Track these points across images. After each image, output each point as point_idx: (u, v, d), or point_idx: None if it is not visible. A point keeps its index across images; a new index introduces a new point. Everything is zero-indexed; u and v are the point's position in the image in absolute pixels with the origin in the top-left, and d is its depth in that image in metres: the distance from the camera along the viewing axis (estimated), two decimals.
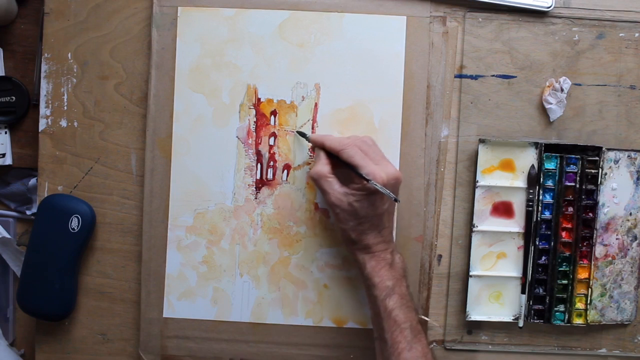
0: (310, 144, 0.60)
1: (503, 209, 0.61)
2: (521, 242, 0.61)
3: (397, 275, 0.54)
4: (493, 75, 0.61)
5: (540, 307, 0.60)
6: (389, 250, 0.54)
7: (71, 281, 0.60)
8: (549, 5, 0.60)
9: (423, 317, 0.61)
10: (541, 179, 0.60)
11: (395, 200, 0.52)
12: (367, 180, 0.51)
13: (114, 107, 0.62)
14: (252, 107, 0.61)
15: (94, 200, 0.62)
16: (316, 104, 0.60)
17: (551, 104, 0.60)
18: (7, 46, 0.64)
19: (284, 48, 0.60)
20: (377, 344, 0.54)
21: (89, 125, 0.62)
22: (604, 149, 0.60)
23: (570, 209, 0.60)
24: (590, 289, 0.60)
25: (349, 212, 0.53)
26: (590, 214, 0.60)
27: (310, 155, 0.61)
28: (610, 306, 0.61)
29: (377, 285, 0.53)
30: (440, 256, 0.62)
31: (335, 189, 0.53)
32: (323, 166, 0.54)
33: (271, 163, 0.61)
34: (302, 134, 0.60)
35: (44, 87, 0.61)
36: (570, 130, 0.61)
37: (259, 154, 0.61)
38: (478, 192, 0.60)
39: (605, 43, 0.61)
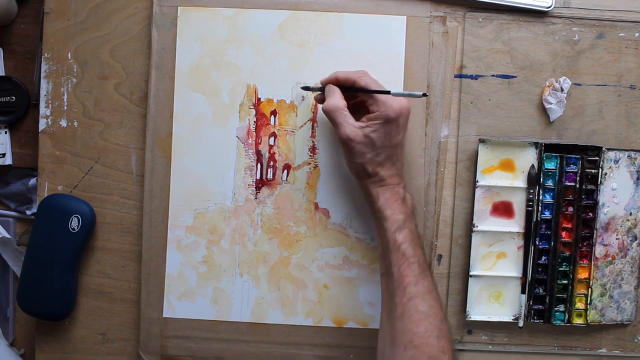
0: (316, 94, 0.59)
1: (503, 209, 0.61)
2: (521, 242, 0.61)
3: (408, 212, 0.54)
4: (493, 75, 0.61)
5: (540, 307, 0.60)
6: (402, 185, 0.55)
7: (71, 281, 0.60)
8: (549, 5, 0.60)
9: None
10: (541, 179, 0.60)
11: (424, 94, 0.53)
12: (389, 92, 0.52)
13: (114, 107, 0.62)
14: (252, 107, 0.61)
15: (94, 200, 0.62)
16: (316, 104, 0.60)
17: (551, 103, 0.60)
18: (7, 46, 0.64)
19: (284, 48, 0.60)
20: (382, 280, 0.53)
21: (89, 125, 0.62)
22: (604, 148, 0.60)
23: (570, 209, 0.60)
24: (590, 289, 0.60)
25: (366, 144, 0.53)
26: (590, 214, 0.60)
27: (310, 155, 0.61)
28: (610, 306, 0.61)
29: (389, 218, 0.52)
30: (440, 256, 0.62)
31: (350, 122, 0.53)
32: (338, 100, 0.54)
33: (271, 163, 0.61)
34: (307, 88, 0.59)
35: (44, 87, 0.61)
36: (570, 130, 0.61)
37: (259, 153, 0.61)
38: (478, 192, 0.60)
39: (605, 43, 0.61)
